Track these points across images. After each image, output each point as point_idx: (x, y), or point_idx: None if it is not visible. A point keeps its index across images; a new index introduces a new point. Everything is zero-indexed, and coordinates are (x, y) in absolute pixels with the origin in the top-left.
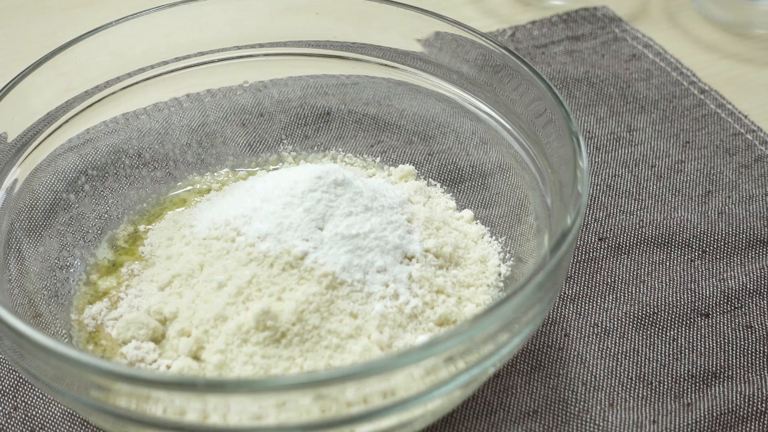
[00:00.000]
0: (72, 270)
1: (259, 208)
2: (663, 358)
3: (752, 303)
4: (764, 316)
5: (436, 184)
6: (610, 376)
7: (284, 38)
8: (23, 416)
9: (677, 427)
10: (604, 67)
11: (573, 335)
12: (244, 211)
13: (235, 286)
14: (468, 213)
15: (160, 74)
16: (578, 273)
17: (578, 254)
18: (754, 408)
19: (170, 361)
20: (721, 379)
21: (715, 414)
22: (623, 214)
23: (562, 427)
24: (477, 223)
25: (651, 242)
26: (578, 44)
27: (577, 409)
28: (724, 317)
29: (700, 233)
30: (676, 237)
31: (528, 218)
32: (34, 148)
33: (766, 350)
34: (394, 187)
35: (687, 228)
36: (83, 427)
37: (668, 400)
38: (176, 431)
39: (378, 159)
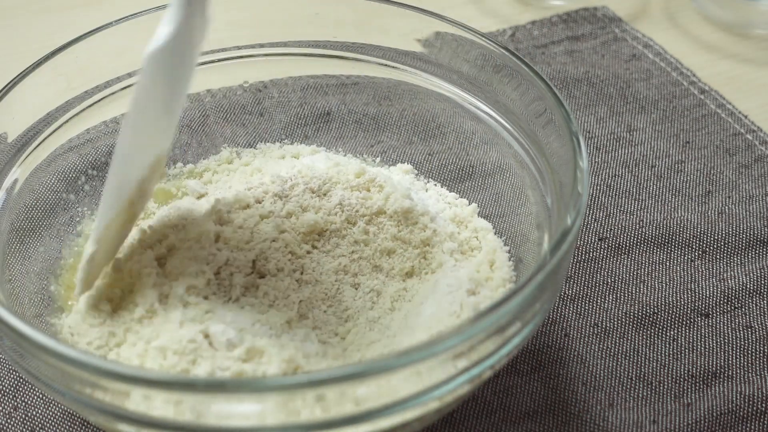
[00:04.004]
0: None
1: None
2: (663, 358)
3: (752, 303)
4: (764, 316)
5: (436, 184)
6: (610, 376)
7: (284, 38)
8: (23, 416)
9: (677, 427)
10: (604, 67)
11: (573, 335)
12: None
13: None
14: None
15: None
16: (578, 273)
17: (578, 254)
18: (754, 408)
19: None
20: (721, 379)
21: (715, 414)
22: (623, 214)
23: (562, 428)
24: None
25: (651, 242)
26: (578, 44)
27: (577, 409)
28: (724, 317)
29: (700, 233)
30: (676, 237)
31: (528, 218)
32: (34, 148)
33: (766, 350)
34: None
35: (687, 228)
36: (83, 427)
37: (668, 400)
38: (175, 431)
39: (378, 159)
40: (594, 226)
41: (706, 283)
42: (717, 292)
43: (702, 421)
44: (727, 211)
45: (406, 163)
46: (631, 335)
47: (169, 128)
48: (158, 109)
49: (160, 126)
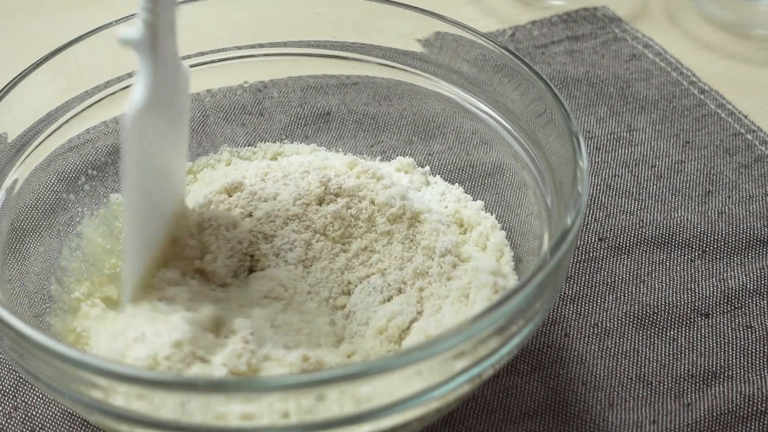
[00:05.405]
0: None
1: None
2: (663, 358)
3: (752, 303)
4: (764, 316)
5: (435, 177)
6: (610, 376)
7: (284, 38)
8: (23, 416)
9: (677, 427)
10: (604, 67)
11: (573, 335)
12: None
13: None
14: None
15: None
16: (578, 273)
17: (578, 254)
18: (754, 408)
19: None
20: (721, 379)
21: (715, 414)
22: (623, 214)
23: (562, 428)
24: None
25: (651, 242)
26: (578, 44)
27: (577, 409)
28: (724, 317)
29: (700, 233)
30: (676, 237)
31: (528, 218)
32: (34, 148)
33: (766, 350)
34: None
35: (687, 228)
36: (83, 427)
37: (668, 400)
38: (176, 431)
39: (378, 159)
40: (594, 226)
41: (706, 283)
42: (717, 292)
43: (702, 421)
44: (727, 211)
45: (407, 156)
46: (631, 335)
47: (178, 179)
48: (156, 166)
49: (166, 181)
